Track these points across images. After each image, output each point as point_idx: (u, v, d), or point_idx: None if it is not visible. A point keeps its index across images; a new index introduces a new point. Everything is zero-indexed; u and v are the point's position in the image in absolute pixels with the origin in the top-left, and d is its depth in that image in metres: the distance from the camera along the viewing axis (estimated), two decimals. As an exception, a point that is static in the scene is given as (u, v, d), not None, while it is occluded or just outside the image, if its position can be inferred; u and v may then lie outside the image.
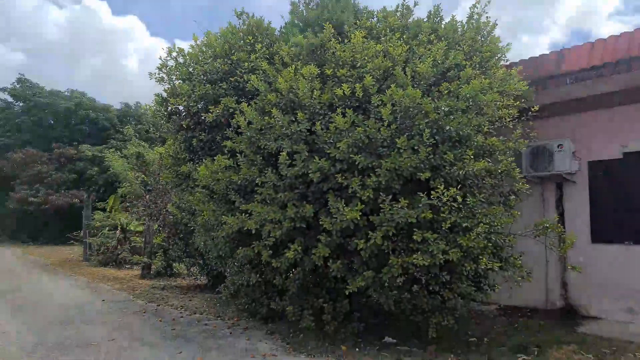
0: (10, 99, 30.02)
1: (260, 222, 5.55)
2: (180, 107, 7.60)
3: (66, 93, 30.92)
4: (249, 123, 5.89)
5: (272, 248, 5.60)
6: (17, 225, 30.27)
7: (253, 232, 5.63)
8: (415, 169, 4.91)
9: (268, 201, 5.67)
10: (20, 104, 29.70)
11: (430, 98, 5.13)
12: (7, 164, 26.36)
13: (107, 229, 16.62)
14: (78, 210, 21.73)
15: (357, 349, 5.66)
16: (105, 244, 15.66)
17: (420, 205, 4.79)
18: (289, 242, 5.54)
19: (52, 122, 29.85)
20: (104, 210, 19.85)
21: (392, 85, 5.04)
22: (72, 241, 20.07)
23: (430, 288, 5.39)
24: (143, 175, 17.75)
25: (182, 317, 7.70)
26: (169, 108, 7.71)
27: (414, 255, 4.79)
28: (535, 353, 5.50)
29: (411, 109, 5.01)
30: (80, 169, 27.14)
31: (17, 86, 29.40)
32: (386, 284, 5.24)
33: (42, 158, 27.03)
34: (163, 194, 12.22)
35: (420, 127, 4.93)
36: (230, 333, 6.58)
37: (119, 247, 15.26)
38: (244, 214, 5.74)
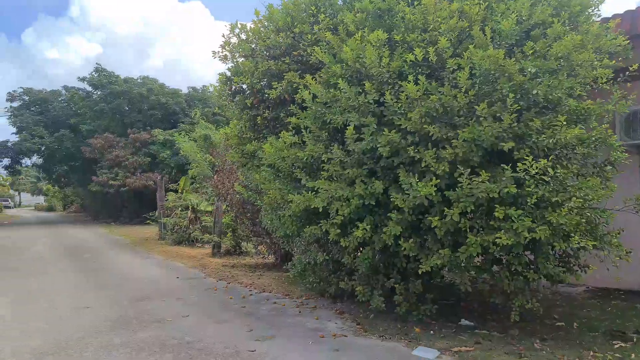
0: (89, 88, 31.94)
1: (327, 200, 5.35)
2: (244, 86, 7.54)
3: (138, 80, 32.32)
4: (314, 97, 5.66)
5: (340, 227, 5.40)
6: (99, 207, 32.63)
7: (320, 210, 5.45)
8: (497, 139, 4.45)
9: (335, 178, 5.45)
10: (99, 92, 31.50)
11: (513, 59, 4.60)
12: (89, 149, 28.24)
13: (179, 209, 17.30)
14: (153, 192, 22.89)
15: (431, 332, 5.37)
16: (178, 223, 16.34)
17: (504, 178, 4.35)
18: (357, 220, 5.31)
19: (127, 108, 31.44)
20: (176, 191, 20.72)
21: (471, 46, 4.57)
22: (148, 221, 21.21)
23: (513, 269, 4.95)
24: (210, 157, 18.26)
25: (251, 294, 7.78)
26: (233, 87, 7.67)
27: (497, 234, 4.38)
28: (634, 340, 4.93)
29: (492, 72, 4.52)
30: (153, 152, 28.51)
31: (95, 75, 31.13)
32: (463, 264, 4.89)
33: (120, 143, 28.68)
34: (230, 174, 12.42)
35: (503, 91, 4.45)
36: (299, 312, 6.52)
37: (190, 226, 15.86)
38: (310, 192, 5.56)
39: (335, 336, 5.36)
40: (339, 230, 5.39)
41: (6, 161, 32.05)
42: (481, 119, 4.46)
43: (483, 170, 4.39)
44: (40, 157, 32.30)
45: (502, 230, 4.40)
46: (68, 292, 7.96)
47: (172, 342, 5.20)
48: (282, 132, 6.18)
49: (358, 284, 5.94)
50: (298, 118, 5.96)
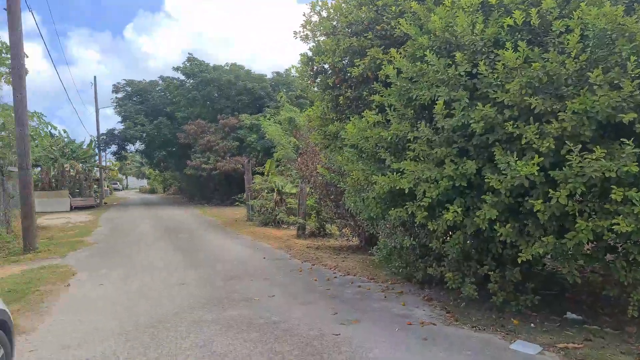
0: (182, 77, 33.90)
1: (414, 182, 5.05)
2: (326, 65, 7.39)
3: (226, 67, 33.64)
4: (399, 72, 5.34)
5: (427, 209, 5.08)
6: (194, 189, 34.77)
7: (406, 192, 5.18)
8: (614, 110, 3.85)
9: (422, 158, 5.12)
10: (191, 81, 33.32)
11: (635, 17, 3.93)
12: (184, 135, 30.07)
13: (265, 191, 17.79)
14: (241, 175, 23.80)
15: (532, 325, 4.91)
16: (264, 205, 16.81)
17: (623, 155, 3.76)
18: (446, 202, 4.96)
19: (217, 95, 32.93)
20: (262, 174, 21.35)
21: (582, 4, 3.98)
22: (237, 203, 22.13)
23: (631, 258, 4.33)
24: (295, 139, 18.48)
25: (335, 277, 7.73)
26: (315, 67, 7.56)
27: (613, 219, 3.82)
28: None
29: (609, 33, 3.90)
30: (241, 137, 29.64)
31: (188, 65, 32.95)
32: (570, 252, 4.37)
33: (210, 128, 30.17)
34: (313, 156, 12.44)
35: (623, 55, 3.82)
36: (385, 297, 6.34)
37: (276, 208, 16.24)
38: (395, 173, 5.29)
39: (424, 324, 5.11)
40: (426, 213, 5.09)
41: (114, 147, 35.40)
42: (595, 87, 3.89)
43: (597, 146, 3.84)
44: (142, 144, 35.10)
45: (621, 215, 3.83)
46: (166, 270, 8.48)
47: (259, 321, 5.29)
48: (365, 112, 5.96)
49: (448, 270, 5.62)
50: (382, 96, 5.69)
